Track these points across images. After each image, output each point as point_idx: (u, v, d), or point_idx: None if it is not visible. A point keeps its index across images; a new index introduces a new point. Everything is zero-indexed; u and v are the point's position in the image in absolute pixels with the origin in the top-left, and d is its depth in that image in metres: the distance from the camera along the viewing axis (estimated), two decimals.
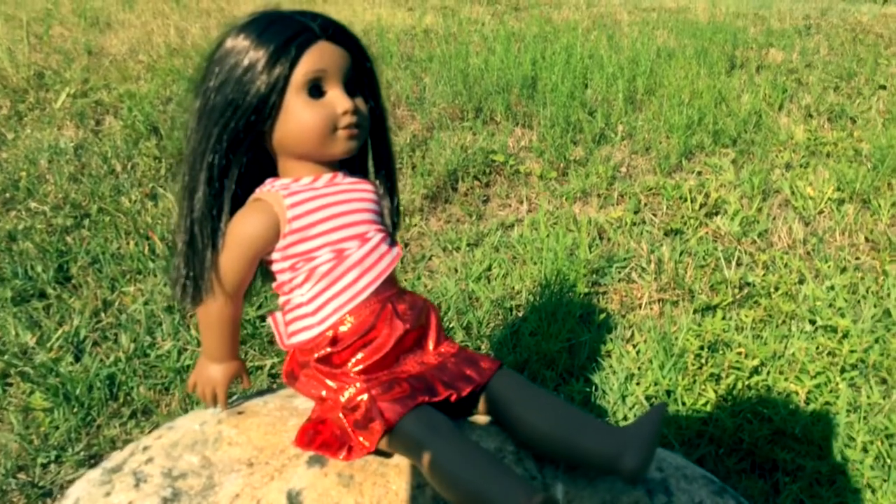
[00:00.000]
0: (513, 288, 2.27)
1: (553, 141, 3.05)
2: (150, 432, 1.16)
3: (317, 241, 0.95)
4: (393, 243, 1.02)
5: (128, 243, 2.30)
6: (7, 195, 2.55)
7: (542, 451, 0.95)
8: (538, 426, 0.93)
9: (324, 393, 0.94)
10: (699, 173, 2.93)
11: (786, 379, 1.89)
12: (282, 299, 0.99)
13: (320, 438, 0.93)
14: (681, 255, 2.41)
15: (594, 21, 5.70)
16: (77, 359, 1.87)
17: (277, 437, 0.98)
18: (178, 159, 0.77)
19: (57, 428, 1.66)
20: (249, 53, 0.89)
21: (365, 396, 0.90)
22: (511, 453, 0.96)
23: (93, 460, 1.61)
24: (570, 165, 3.00)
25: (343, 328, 0.94)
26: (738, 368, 1.87)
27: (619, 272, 2.36)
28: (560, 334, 2.04)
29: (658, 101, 3.42)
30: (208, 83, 0.91)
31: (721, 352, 1.96)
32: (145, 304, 2.04)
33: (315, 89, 0.92)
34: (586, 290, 2.28)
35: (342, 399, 0.91)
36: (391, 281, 0.99)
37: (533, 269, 2.35)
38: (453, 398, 0.93)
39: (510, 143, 3.14)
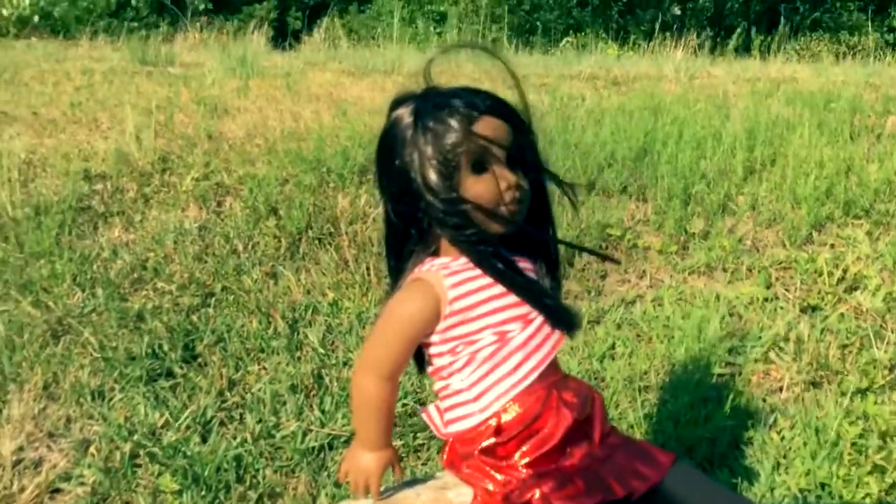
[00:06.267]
0: (640, 367, 2.16)
1: (672, 213, 2.95)
2: None
3: (478, 323, 0.90)
4: None
5: (251, 322, 2.32)
6: (135, 275, 2.63)
7: None
8: None
9: (490, 486, 0.87)
10: (832, 246, 2.77)
11: None
12: (438, 384, 0.94)
13: None
14: (821, 333, 2.25)
15: (700, 92, 5.61)
16: (204, 439, 1.86)
17: None
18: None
19: None
20: (416, 133, 0.87)
21: (537, 494, 0.83)
22: None
23: None
24: (691, 238, 2.89)
25: (507, 417, 0.88)
26: None
27: (755, 351, 2.22)
28: (699, 420, 1.91)
29: (780, 172, 3.29)
30: (383, 163, 0.92)
31: (882, 441, 1.79)
32: (269, 383, 2.03)
33: (478, 165, 0.89)
34: (720, 370, 2.15)
35: (512, 496, 0.84)
36: (555, 365, 0.93)
37: (660, 347, 2.24)
38: (631, 499, 0.85)
39: (625, 216, 3.06)
